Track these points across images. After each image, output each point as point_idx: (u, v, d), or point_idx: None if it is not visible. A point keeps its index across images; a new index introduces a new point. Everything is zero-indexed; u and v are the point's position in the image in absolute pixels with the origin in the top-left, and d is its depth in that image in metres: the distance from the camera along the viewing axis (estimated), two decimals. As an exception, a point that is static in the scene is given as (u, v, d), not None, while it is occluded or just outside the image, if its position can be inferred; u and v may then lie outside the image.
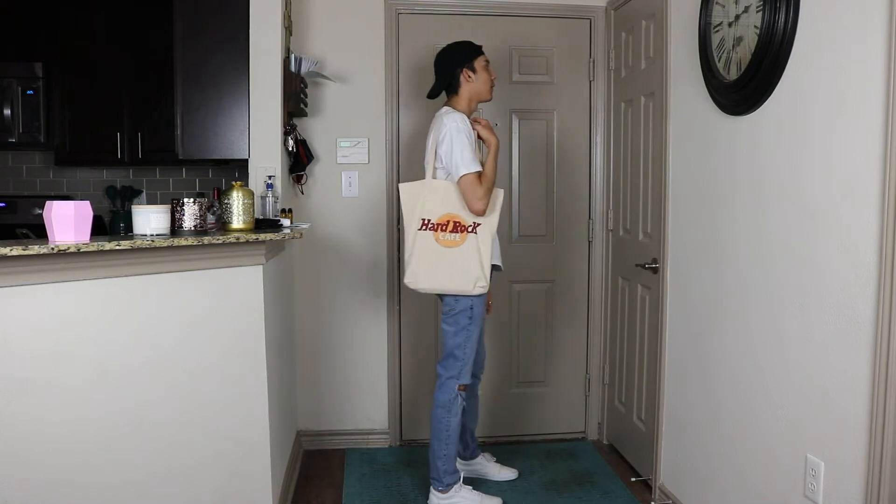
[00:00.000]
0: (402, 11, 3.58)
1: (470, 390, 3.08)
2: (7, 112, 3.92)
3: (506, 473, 3.30)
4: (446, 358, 2.93)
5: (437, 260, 2.77)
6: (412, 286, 2.86)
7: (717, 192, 2.58)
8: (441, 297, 2.94)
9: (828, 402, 2.00)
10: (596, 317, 3.80)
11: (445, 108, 2.89)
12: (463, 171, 2.73)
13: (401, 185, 2.89)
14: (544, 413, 3.84)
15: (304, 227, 2.86)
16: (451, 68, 2.90)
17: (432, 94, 2.96)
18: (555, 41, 3.68)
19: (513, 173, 3.70)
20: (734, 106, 2.43)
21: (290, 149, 3.29)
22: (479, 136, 2.87)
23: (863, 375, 1.86)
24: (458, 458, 3.11)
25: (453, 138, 2.75)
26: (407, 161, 3.62)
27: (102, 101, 4.05)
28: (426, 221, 2.78)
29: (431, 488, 3.00)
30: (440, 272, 2.79)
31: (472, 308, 2.86)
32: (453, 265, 2.77)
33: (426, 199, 2.79)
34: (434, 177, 2.84)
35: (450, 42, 3.03)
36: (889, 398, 1.77)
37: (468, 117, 2.86)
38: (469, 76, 2.89)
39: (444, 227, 2.77)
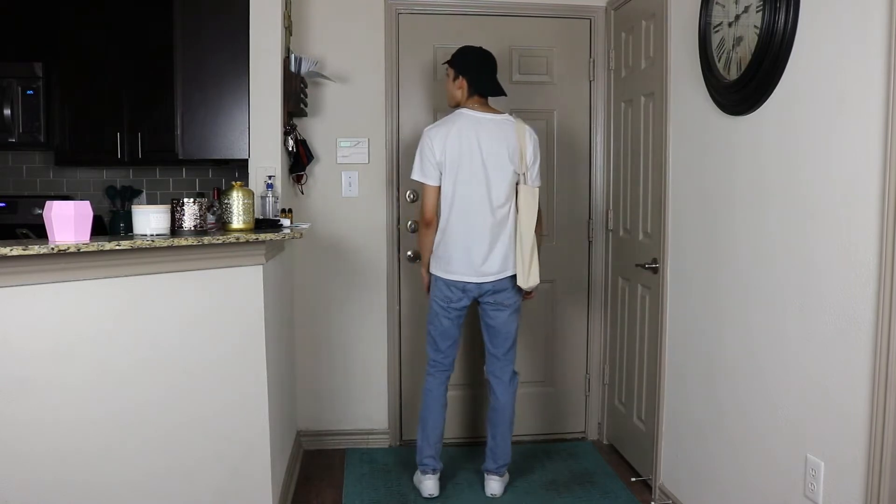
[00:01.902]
0: (402, 11, 3.58)
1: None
2: (7, 112, 3.92)
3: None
4: (511, 349, 3.13)
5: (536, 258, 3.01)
6: (534, 286, 3.01)
7: (717, 192, 2.58)
8: (499, 292, 3.02)
9: (828, 402, 2.00)
10: (596, 317, 3.80)
11: (510, 117, 3.05)
12: (539, 183, 3.04)
13: (535, 190, 3.01)
14: (544, 413, 3.84)
15: (304, 227, 2.86)
16: None
17: (496, 93, 3.05)
18: (555, 41, 3.68)
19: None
20: (734, 106, 2.43)
21: (290, 149, 3.29)
22: None
23: (863, 375, 1.86)
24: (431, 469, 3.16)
25: (539, 151, 3.05)
26: (407, 161, 3.61)
27: (102, 102, 4.04)
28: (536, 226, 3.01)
29: (499, 477, 3.16)
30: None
31: None
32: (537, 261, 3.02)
33: (536, 203, 3.00)
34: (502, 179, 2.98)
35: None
36: (889, 398, 1.77)
37: None
38: None
39: (537, 230, 3.02)
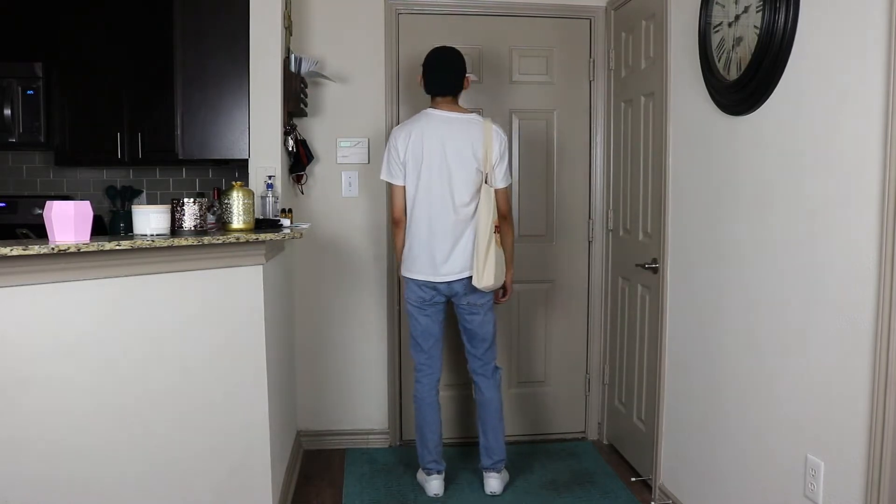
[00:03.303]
0: (402, 11, 3.58)
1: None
2: (7, 112, 3.92)
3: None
4: (490, 348, 3.14)
5: (496, 259, 2.99)
6: (488, 286, 2.96)
7: (717, 192, 2.58)
8: (469, 293, 3.04)
9: (828, 402, 2.00)
10: (596, 317, 3.80)
11: (478, 116, 3.05)
12: (507, 182, 3.06)
13: (492, 190, 2.99)
14: (544, 413, 3.84)
15: (304, 227, 2.87)
16: (463, 73, 3.05)
17: (451, 92, 3.02)
18: (555, 41, 3.68)
19: (513, 173, 3.69)
20: (734, 106, 2.43)
21: (290, 149, 3.29)
22: None
23: (863, 375, 1.86)
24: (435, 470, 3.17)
25: (507, 150, 3.05)
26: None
27: (102, 102, 4.04)
28: (496, 224, 3.00)
29: (497, 473, 3.16)
30: (499, 270, 3.01)
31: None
32: (500, 262, 3.02)
33: (494, 203, 2.98)
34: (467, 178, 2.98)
35: (450, 45, 3.10)
36: (889, 398, 1.77)
37: None
38: (467, 84, 3.08)
39: (497, 229, 3.01)
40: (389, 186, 3.10)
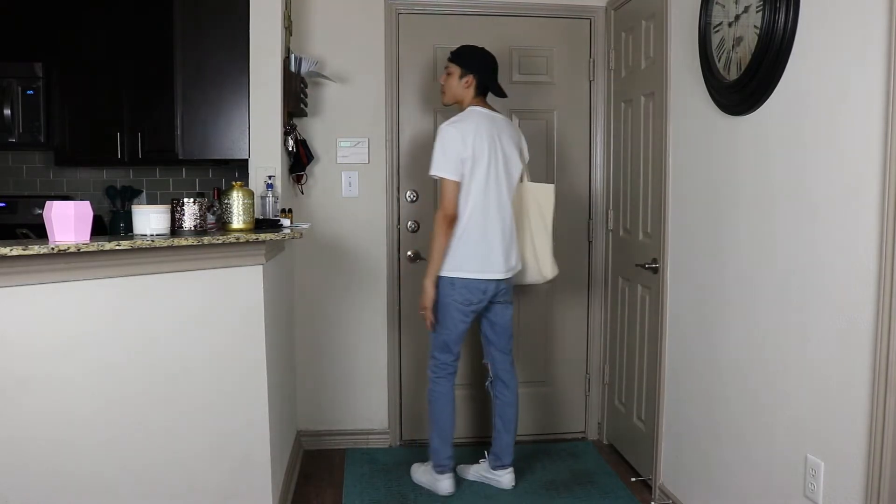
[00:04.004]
0: (402, 11, 3.58)
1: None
2: (7, 112, 3.92)
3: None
4: (511, 339, 3.25)
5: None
6: (552, 276, 3.22)
7: (718, 192, 2.58)
8: (510, 288, 3.16)
9: (828, 402, 2.00)
10: (596, 317, 3.80)
11: (504, 116, 3.14)
12: None
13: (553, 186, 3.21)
14: (544, 413, 3.84)
15: (304, 227, 2.87)
16: None
17: (503, 93, 3.12)
18: (555, 41, 3.68)
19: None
20: (734, 106, 2.43)
21: (290, 149, 3.29)
22: None
23: (863, 375, 1.86)
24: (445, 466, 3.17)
25: None
26: (407, 161, 3.62)
27: (102, 101, 4.03)
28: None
29: (513, 468, 3.23)
30: None
31: None
32: None
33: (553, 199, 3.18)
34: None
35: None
36: (889, 398, 1.77)
37: None
38: None
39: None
40: (441, 182, 2.95)
